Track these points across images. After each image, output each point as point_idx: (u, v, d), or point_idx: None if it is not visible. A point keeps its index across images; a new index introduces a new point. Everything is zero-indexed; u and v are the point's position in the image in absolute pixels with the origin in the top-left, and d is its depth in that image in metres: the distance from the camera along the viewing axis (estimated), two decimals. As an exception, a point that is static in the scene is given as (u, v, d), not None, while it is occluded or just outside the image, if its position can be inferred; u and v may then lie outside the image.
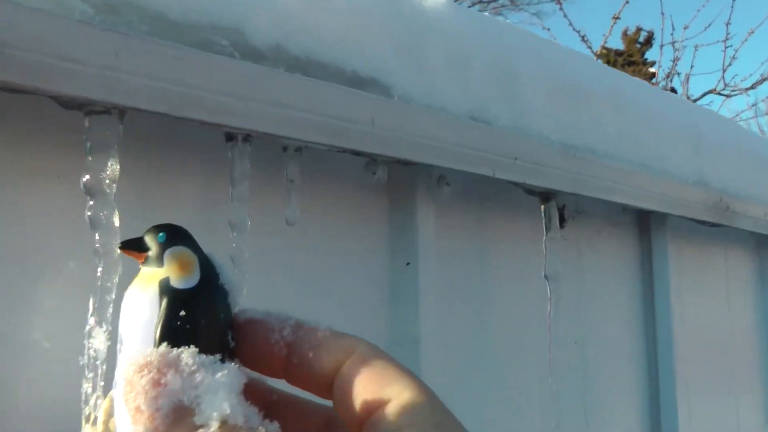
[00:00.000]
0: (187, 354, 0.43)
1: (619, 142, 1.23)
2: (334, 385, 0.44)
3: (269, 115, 0.75)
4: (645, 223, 1.42)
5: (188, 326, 0.44)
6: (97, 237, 0.64)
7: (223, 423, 0.40)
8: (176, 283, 0.45)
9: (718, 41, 7.11)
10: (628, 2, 6.54)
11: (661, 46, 7.73)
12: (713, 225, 1.46)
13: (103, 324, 0.63)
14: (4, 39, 0.59)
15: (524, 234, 1.18)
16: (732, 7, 6.96)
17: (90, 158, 0.65)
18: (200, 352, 0.43)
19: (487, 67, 1.02)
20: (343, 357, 0.45)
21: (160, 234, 0.47)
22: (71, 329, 0.65)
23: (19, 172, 0.68)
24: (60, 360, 0.65)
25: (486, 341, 1.11)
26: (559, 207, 1.15)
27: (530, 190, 1.10)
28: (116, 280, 0.64)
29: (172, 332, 0.43)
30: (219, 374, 0.42)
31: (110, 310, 0.63)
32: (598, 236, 1.30)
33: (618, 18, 6.83)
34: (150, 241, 0.48)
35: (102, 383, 0.60)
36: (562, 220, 1.20)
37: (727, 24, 7.15)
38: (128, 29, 0.67)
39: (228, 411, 0.41)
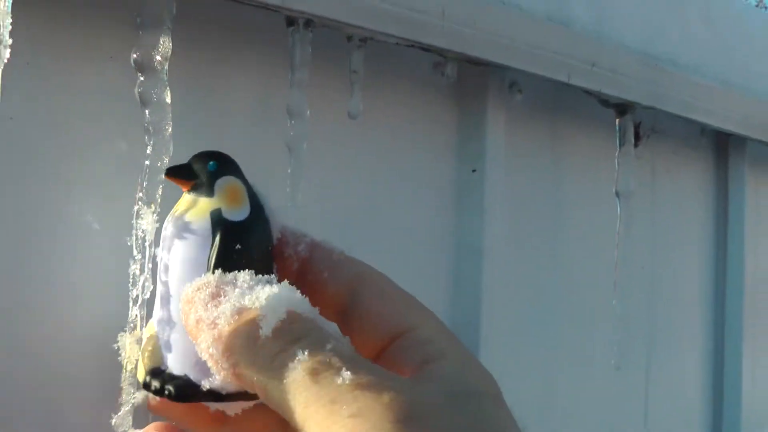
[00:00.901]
0: (244, 273, 0.43)
1: (705, 56, 1.14)
2: (348, 307, 0.44)
3: (333, -1, 0.70)
4: (723, 149, 1.33)
5: (242, 260, 0.44)
6: (147, 115, 0.60)
7: (291, 313, 0.39)
8: (228, 214, 0.45)
9: None
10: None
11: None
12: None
13: (152, 205, 0.59)
14: None
15: (598, 150, 1.11)
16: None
17: (141, 34, 0.61)
18: None
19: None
20: (357, 281, 0.45)
21: (211, 162, 0.47)
22: (121, 210, 0.61)
23: (72, 50, 0.64)
24: (109, 240, 0.62)
25: (551, 254, 1.05)
26: (635, 122, 1.08)
27: (605, 101, 1.02)
28: (166, 160, 0.60)
29: (227, 265, 0.43)
30: (276, 286, 0.41)
31: (159, 190, 0.59)
32: (674, 158, 1.23)
33: None
34: (198, 168, 0.47)
35: (150, 265, 0.56)
36: (637, 138, 1.13)
37: None
38: None
39: (297, 299, 0.40)
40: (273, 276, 0.43)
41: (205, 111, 0.69)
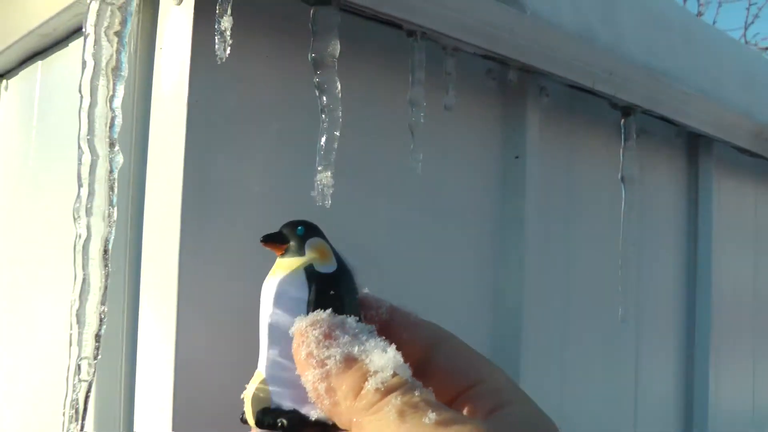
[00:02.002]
0: (351, 319, 0.48)
1: (687, 69, 1.36)
2: (426, 363, 0.48)
3: (440, 15, 0.89)
4: (694, 148, 1.55)
5: (337, 303, 0.49)
6: (324, 100, 0.78)
7: (395, 374, 0.44)
8: (320, 268, 0.51)
9: None
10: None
11: (685, 0, 7.75)
12: (752, 155, 1.60)
13: (328, 168, 0.77)
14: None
15: (603, 144, 1.32)
16: (760, -35, 6.95)
17: (314, 39, 0.79)
18: None
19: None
20: (434, 339, 0.50)
21: (299, 228, 0.53)
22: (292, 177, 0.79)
23: (267, 49, 0.81)
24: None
25: (572, 230, 1.26)
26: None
27: (615, 105, 1.23)
28: (337, 133, 0.78)
29: (326, 307, 0.49)
30: (380, 339, 0.47)
31: (333, 155, 0.77)
32: (656, 155, 1.44)
33: None
34: (289, 234, 0.53)
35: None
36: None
37: None
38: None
39: (400, 363, 0.45)
40: (374, 327, 0.49)
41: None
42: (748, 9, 7.15)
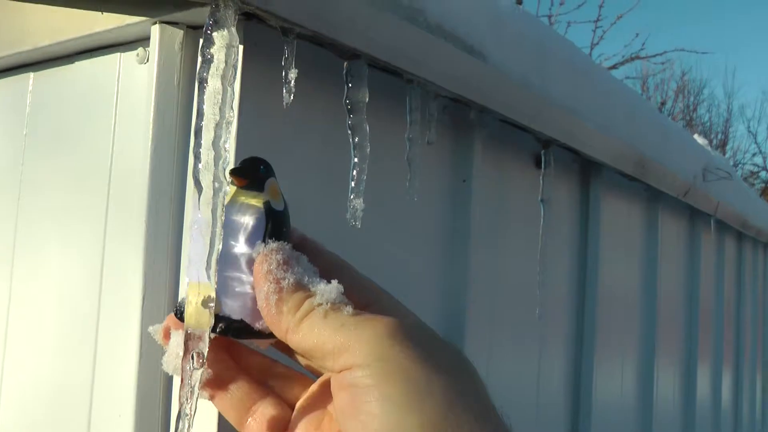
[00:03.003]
0: (304, 258, 0.57)
1: (590, 107, 1.62)
2: (338, 274, 0.56)
3: (433, 69, 1.09)
4: (587, 172, 1.83)
5: (282, 237, 0.57)
6: (356, 139, 0.96)
7: (333, 303, 0.53)
8: (274, 205, 0.58)
9: (589, 21, 7.69)
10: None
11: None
12: (632, 179, 1.90)
13: (359, 195, 0.96)
14: (323, 3, 0.90)
15: (523, 169, 1.57)
16: (607, -9, 7.55)
17: (349, 85, 0.97)
18: None
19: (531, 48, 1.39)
20: (336, 265, 0.59)
21: (262, 167, 0.59)
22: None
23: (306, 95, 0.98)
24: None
25: (507, 238, 1.49)
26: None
27: (538, 138, 1.48)
28: (365, 167, 0.96)
29: (276, 239, 0.57)
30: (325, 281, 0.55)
31: (363, 185, 0.96)
32: (558, 178, 1.70)
33: None
34: (252, 170, 0.59)
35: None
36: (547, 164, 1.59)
37: (600, 6, 7.79)
38: (378, 5, 0.99)
39: (342, 292, 0.54)
40: (317, 269, 0.57)
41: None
42: (594, 30, 7.74)
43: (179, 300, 0.60)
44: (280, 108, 0.94)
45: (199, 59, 0.77)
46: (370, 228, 1.11)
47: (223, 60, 0.75)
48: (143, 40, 1.09)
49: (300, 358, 0.57)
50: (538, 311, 1.48)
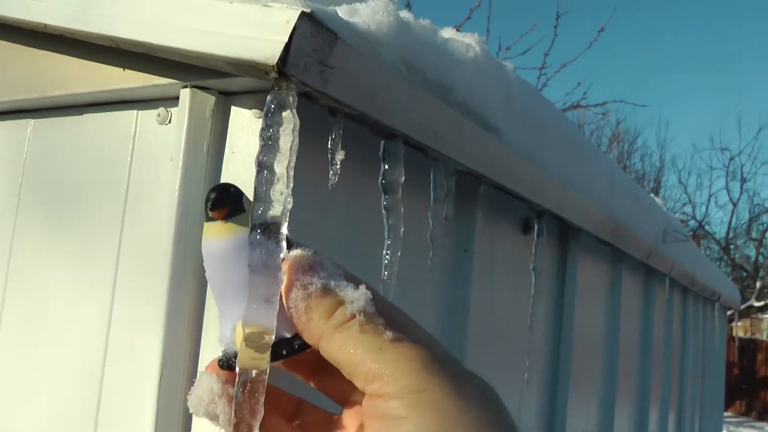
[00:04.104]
0: (328, 261, 0.57)
1: (579, 178, 1.65)
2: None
3: (456, 146, 1.09)
4: (565, 235, 1.86)
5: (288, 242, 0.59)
6: (390, 221, 0.95)
7: (366, 314, 0.52)
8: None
9: (535, 67, 7.86)
10: (469, 17, 7.05)
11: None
12: (605, 243, 1.93)
13: (393, 275, 0.95)
14: (373, 85, 0.89)
15: (513, 237, 1.58)
16: (553, 41, 7.74)
17: (386, 166, 0.96)
18: None
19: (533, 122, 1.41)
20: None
21: (232, 189, 0.60)
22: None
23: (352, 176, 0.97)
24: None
25: (498, 301, 1.49)
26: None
27: (533, 208, 1.49)
28: (399, 253, 0.95)
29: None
30: (352, 286, 0.55)
31: (396, 268, 0.95)
32: (541, 246, 1.72)
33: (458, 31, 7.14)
34: (225, 197, 0.59)
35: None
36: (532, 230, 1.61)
37: (546, 54, 7.97)
38: (417, 86, 0.98)
39: (370, 298, 0.54)
40: (342, 271, 0.57)
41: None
42: (539, 77, 7.90)
43: (220, 356, 0.58)
44: (320, 186, 0.93)
45: (259, 142, 0.75)
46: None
47: (288, 145, 0.73)
48: (165, 100, 1.06)
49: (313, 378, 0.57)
50: (526, 376, 1.49)
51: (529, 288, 1.52)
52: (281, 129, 0.76)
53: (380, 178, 0.96)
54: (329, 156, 0.87)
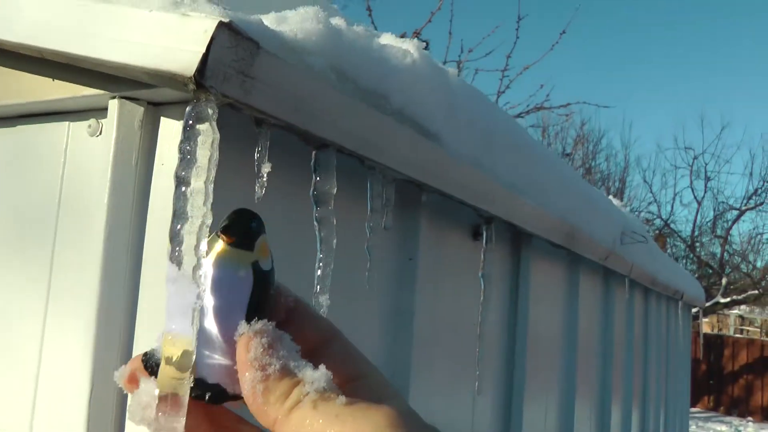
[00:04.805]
0: (287, 336, 0.53)
1: (530, 184, 1.64)
2: (325, 350, 0.55)
3: (394, 155, 1.07)
4: (517, 240, 1.85)
5: (268, 300, 0.54)
6: (322, 234, 0.93)
7: (321, 391, 0.50)
8: (262, 266, 0.54)
9: (497, 69, 7.81)
10: (430, 21, 7.01)
11: (444, 62, 8.40)
12: (559, 247, 1.92)
13: (326, 291, 0.92)
14: (299, 95, 0.87)
15: (460, 243, 1.56)
16: (515, 43, 7.73)
17: (317, 178, 0.94)
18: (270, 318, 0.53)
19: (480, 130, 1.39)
20: (330, 335, 0.56)
21: (253, 223, 0.55)
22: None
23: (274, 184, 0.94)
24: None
25: (445, 307, 1.47)
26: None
27: (481, 215, 1.48)
28: (331, 266, 0.93)
29: (263, 304, 0.54)
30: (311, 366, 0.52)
31: (329, 281, 0.92)
32: (490, 252, 1.70)
33: (418, 34, 7.10)
34: (241, 225, 0.55)
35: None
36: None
37: (508, 56, 7.94)
38: (349, 94, 0.96)
39: (330, 378, 0.51)
40: (299, 347, 0.53)
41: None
42: (501, 79, 7.90)
43: (150, 350, 0.56)
44: (247, 194, 0.90)
45: (177, 155, 0.72)
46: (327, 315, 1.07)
47: (206, 158, 0.71)
48: (95, 111, 1.03)
49: None
50: (477, 385, 1.47)
51: (480, 295, 1.50)
52: (200, 142, 0.73)
53: (311, 189, 0.93)
54: (255, 168, 0.84)
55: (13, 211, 1.10)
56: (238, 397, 0.53)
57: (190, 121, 0.74)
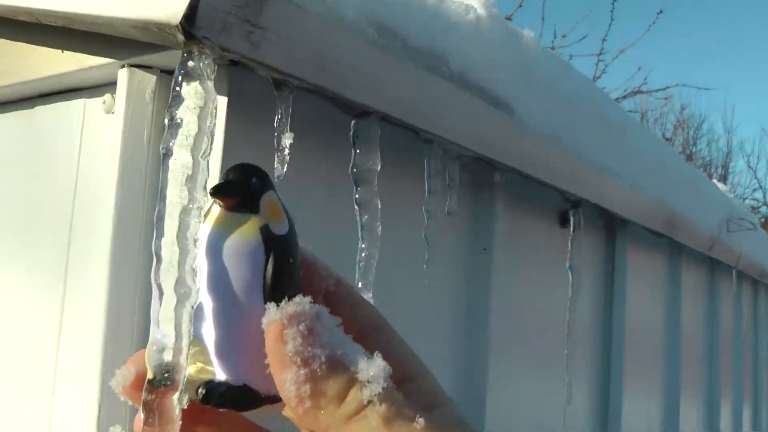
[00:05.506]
0: (324, 310, 0.43)
1: (621, 163, 1.43)
2: (370, 343, 0.44)
3: (451, 127, 0.89)
4: (612, 227, 1.64)
5: (295, 274, 0.44)
6: (364, 218, 0.76)
7: (388, 398, 0.40)
8: (275, 229, 0.43)
9: (592, 54, 7.36)
10: (521, 6, 6.70)
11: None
12: (659, 235, 1.70)
13: (370, 289, 0.76)
14: (325, 51, 0.71)
15: (546, 230, 1.37)
16: (609, 25, 7.31)
17: (357, 150, 0.77)
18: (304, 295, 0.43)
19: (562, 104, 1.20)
20: (374, 322, 0.46)
21: (254, 180, 0.44)
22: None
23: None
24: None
25: (525, 306, 1.29)
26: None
27: (567, 198, 1.28)
28: (377, 253, 0.76)
29: (285, 279, 0.43)
30: (350, 339, 0.43)
31: (373, 273, 0.76)
32: (579, 241, 1.50)
33: (509, 19, 6.86)
34: (241, 184, 0.44)
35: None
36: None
37: (603, 40, 7.46)
38: (395, 53, 0.79)
39: (389, 374, 0.41)
40: (340, 320, 0.43)
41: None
42: (596, 64, 7.50)
43: (158, 361, 0.43)
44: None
45: (166, 121, 0.57)
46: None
47: (196, 124, 0.55)
48: (110, 85, 0.89)
49: None
50: (566, 394, 1.28)
51: (568, 290, 1.31)
52: (189, 106, 0.58)
53: (350, 165, 0.77)
54: (275, 140, 0.68)
55: (29, 199, 0.98)
56: (274, 400, 0.43)
57: (180, 79, 0.59)
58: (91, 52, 0.85)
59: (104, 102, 0.90)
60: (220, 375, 0.43)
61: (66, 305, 0.90)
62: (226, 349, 0.43)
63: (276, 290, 0.42)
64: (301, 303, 0.42)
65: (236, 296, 0.42)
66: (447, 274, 1.09)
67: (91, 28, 0.74)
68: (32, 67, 0.94)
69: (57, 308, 0.89)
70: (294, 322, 0.41)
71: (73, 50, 0.87)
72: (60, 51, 0.89)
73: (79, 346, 0.85)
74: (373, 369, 0.41)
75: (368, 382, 0.40)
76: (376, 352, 0.42)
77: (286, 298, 0.42)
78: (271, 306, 0.41)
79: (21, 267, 0.98)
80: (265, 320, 0.41)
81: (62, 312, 0.90)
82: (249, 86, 0.75)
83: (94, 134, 0.91)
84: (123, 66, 0.83)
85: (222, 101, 0.75)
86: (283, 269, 0.43)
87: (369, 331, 0.46)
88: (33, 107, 1.02)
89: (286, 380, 0.41)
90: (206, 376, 0.44)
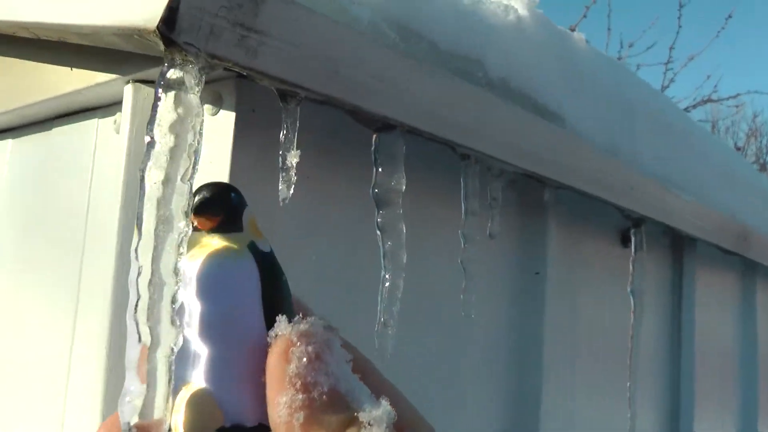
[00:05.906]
0: (337, 341, 0.39)
1: (685, 173, 1.31)
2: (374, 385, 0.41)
3: (491, 138, 0.80)
4: (679, 245, 1.51)
5: (286, 293, 0.41)
6: (387, 245, 0.67)
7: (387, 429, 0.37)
8: (261, 246, 0.40)
9: (660, 63, 7.18)
10: (585, 16, 6.55)
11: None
12: (730, 253, 1.56)
13: (391, 322, 0.66)
14: (338, 57, 0.62)
15: (606, 251, 1.25)
16: (677, 33, 7.12)
17: (379, 169, 0.68)
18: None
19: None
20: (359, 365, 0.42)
21: (233, 195, 0.41)
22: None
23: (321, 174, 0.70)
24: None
25: (582, 334, 1.18)
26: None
27: (628, 216, 1.16)
28: (401, 284, 0.67)
29: (275, 298, 0.40)
30: (368, 393, 0.39)
31: (397, 306, 0.66)
32: (647, 256, 1.38)
33: (574, 30, 6.67)
34: (221, 203, 0.40)
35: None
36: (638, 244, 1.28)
37: (671, 48, 7.30)
38: (419, 56, 0.70)
39: (393, 419, 0.38)
40: (351, 356, 0.40)
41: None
42: (665, 73, 7.28)
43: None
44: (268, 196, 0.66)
45: (146, 140, 0.50)
46: (406, 354, 0.81)
47: (166, 148, 0.47)
48: (120, 103, 0.82)
49: None
50: (629, 426, 1.16)
51: (630, 315, 1.19)
52: (164, 121, 0.50)
53: (372, 186, 0.68)
54: (279, 158, 0.60)
55: (44, 222, 0.92)
56: (263, 430, 0.39)
57: (160, 90, 0.51)
58: (97, 69, 0.78)
59: (115, 122, 0.84)
60: (232, 417, 0.39)
61: (78, 322, 0.84)
62: (231, 385, 0.39)
63: (275, 310, 0.39)
64: (314, 324, 0.39)
65: (235, 321, 0.39)
66: (493, 302, 0.99)
67: (82, 40, 0.67)
68: (44, 87, 0.89)
69: (69, 325, 0.84)
70: (303, 342, 0.38)
71: (80, 67, 0.81)
72: (69, 69, 0.83)
73: (89, 361, 0.78)
74: (377, 412, 0.37)
75: (369, 424, 0.37)
76: (383, 396, 0.39)
77: (299, 316, 0.39)
78: (281, 319, 0.39)
79: (35, 284, 0.93)
80: (272, 333, 0.39)
81: (74, 329, 0.84)
82: (263, 101, 0.67)
83: (106, 155, 0.85)
84: (128, 82, 0.76)
85: (228, 118, 0.68)
86: (274, 289, 0.40)
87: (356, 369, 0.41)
88: (50, 129, 0.96)
89: (281, 402, 0.37)
90: (212, 425, 0.39)
